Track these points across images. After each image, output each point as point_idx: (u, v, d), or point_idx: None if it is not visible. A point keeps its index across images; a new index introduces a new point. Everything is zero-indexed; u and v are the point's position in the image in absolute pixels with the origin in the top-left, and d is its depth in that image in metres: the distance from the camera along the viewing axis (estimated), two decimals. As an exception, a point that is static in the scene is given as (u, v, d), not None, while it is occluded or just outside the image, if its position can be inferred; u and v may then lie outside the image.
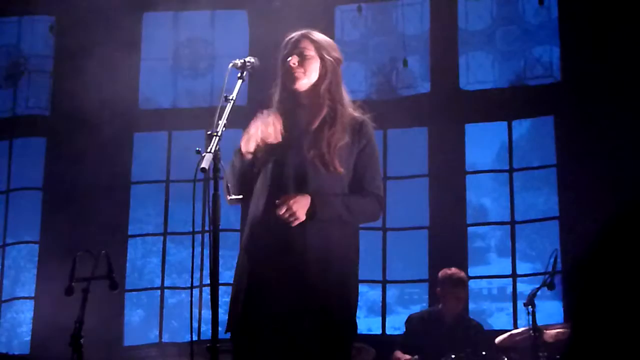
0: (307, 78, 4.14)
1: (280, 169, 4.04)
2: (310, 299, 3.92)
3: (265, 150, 4.06)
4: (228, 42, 9.74)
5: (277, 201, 3.90)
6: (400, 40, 9.66)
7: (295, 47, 4.16)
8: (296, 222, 3.91)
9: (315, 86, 4.17)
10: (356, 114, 4.25)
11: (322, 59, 4.18)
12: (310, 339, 3.94)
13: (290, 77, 4.12)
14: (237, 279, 4.09)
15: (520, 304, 8.10)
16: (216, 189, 3.72)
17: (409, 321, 7.66)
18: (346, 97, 4.27)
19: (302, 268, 3.93)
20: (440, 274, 7.57)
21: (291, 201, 3.89)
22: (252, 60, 4.05)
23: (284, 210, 3.88)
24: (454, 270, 7.58)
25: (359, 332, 4.27)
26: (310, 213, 3.93)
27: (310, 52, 4.16)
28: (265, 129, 4.05)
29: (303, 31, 4.25)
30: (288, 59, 4.13)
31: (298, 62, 4.13)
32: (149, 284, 9.92)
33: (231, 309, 4.05)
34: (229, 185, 3.90)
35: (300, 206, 3.90)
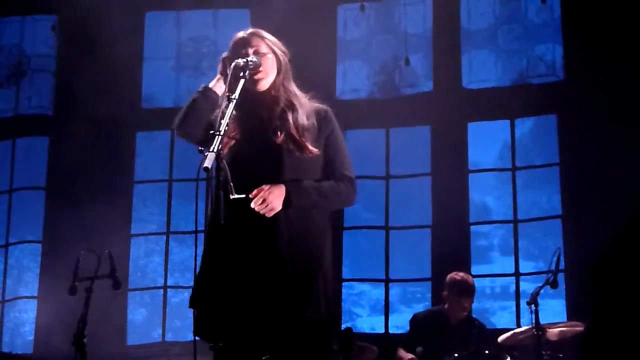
0: (268, 77, 4.12)
1: (252, 159, 3.99)
2: (285, 292, 3.85)
3: (231, 145, 4.00)
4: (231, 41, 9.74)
5: (251, 194, 3.83)
6: (402, 38, 9.67)
7: (249, 46, 4.14)
8: (272, 213, 3.86)
9: (273, 83, 4.15)
10: (318, 104, 4.23)
11: (275, 54, 4.17)
12: (291, 338, 3.91)
13: (251, 78, 4.06)
14: (209, 274, 3.90)
15: (523, 303, 8.12)
16: (219, 188, 3.72)
17: (414, 320, 7.66)
18: (297, 89, 4.22)
19: (276, 263, 3.86)
20: (448, 277, 7.53)
21: (266, 192, 3.85)
22: (255, 59, 4.04)
23: (259, 202, 3.84)
24: (462, 276, 7.52)
25: (361, 331, 4.25)
26: (285, 202, 3.90)
27: (264, 48, 4.14)
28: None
29: (250, 30, 4.22)
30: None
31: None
32: (152, 283, 9.93)
33: (200, 307, 3.90)
34: (232, 184, 3.86)
35: (275, 196, 3.86)
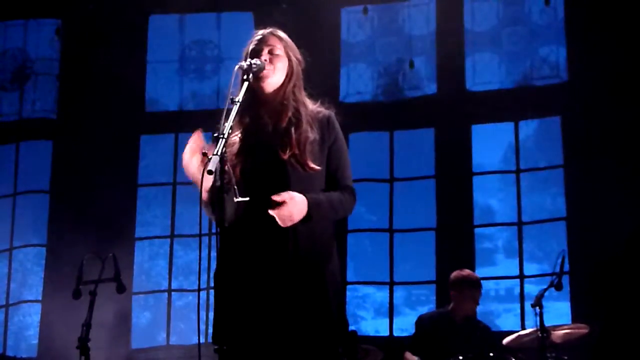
0: (275, 77, 4.10)
1: (257, 172, 3.97)
2: (298, 301, 3.86)
3: (235, 155, 3.99)
4: (234, 44, 9.75)
5: (274, 197, 3.77)
6: (406, 41, 9.67)
7: (265, 44, 4.12)
8: (288, 224, 3.82)
9: (281, 87, 4.12)
10: (320, 109, 4.20)
11: (289, 58, 4.15)
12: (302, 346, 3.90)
13: (256, 77, 4.02)
14: (220, 286, 3.91)
15: (527, 305, 8.09)
16: (222, 191, 3.70)
17: (419, 321, 7.64)
18: (307, 99, 4.20)
19: (288, 272, 3.86)
20: (453, 275, 7.53)
21: (290, 201, 3.81)
22: (258, 62, 4.02)
23: (283, 209, 3.80)
24: (468, 271, 7.56)
25: (366, 334, 4.24)
26: (305, 216, 3.87)
27: (279, 50, 4.13)
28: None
29: (270, 29, 4.21)
30: (259, 56, 4.07)
31: (269, 59, 4.09)
32: (156, 286, 9.92)
33: (217, 319, 3.90)
34: (236, 187, 3.86)
35: (298, 209, 3.83)
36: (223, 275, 3.85)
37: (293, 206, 3.82)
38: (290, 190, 3.89)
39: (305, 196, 3.87)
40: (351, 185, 4.15)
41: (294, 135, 4.00)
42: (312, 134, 4.04)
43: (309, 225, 3.92)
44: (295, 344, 3.88)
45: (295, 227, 3.88)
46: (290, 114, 4.07)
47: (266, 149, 4.00)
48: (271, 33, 4.18)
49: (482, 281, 7.66)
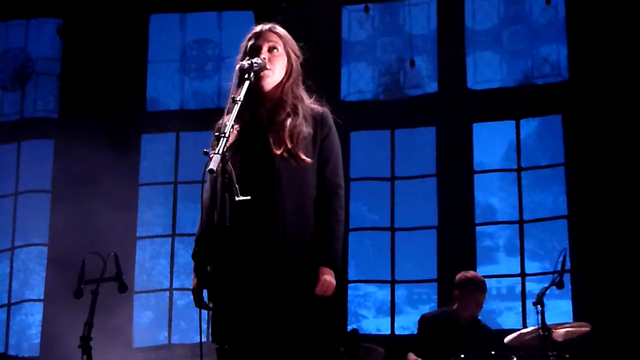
0: (274, 76, 4.11)
1: (250, 167, 3.98)
2: (291, 295, 3.89)
3: (228, 148, 3.99)
4: (235, 44, 9.73)
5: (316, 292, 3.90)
6: (407, 40, 9.67)
7: (265, 41, 4.13)
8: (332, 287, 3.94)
9: (279, 84, 4.14)
10: (315, 105, 4.21)
11: (288, 55, 4.16)
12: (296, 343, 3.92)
13: (256, 76, 4.03)
14: (214, 284, 3.97)
15: (529, 303, 8.09)
16: (224, 190, 3.71)
17: (423, 321, 7.62)
18: (304, 93, 4.21)
19: (280, 268, 3.88)
20: (459, 276, 7.50)
21: (327, 282, 3.91)
22: (259, 61, 4.02)
23: (325, 288, 3.91)
24: (473, 274, 7.54)
25: (367, 332, 4.24)
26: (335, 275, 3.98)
27: (279, 48, 4.14)
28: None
29: (269, 24, 4.21)
30: (259, 54, 4.08)
31: (268, 57, 4.09)
32: (158, 285, 9.92)
33: (214, 318, 3.95)
34: (236, 185, 3.86)
35: (332, 280, 3.93)
36: (218, 273, 3.87)
37: (327, 280, 3.92)
38: (280, 183, 3.94)
39: (322, 266, 3.94)
40: (339, 182, 4.14)
41: (287, 129, 4.01)
42: (307, 129, 4.06)
43: (299, 220, 3.96)
44: (292, 338, 3.88)
45: (284, 222, 3.92)
46: (288, 109, 4.08)
47: (259, 144, 4.02)
48: (270, 29, 4.18)
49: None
